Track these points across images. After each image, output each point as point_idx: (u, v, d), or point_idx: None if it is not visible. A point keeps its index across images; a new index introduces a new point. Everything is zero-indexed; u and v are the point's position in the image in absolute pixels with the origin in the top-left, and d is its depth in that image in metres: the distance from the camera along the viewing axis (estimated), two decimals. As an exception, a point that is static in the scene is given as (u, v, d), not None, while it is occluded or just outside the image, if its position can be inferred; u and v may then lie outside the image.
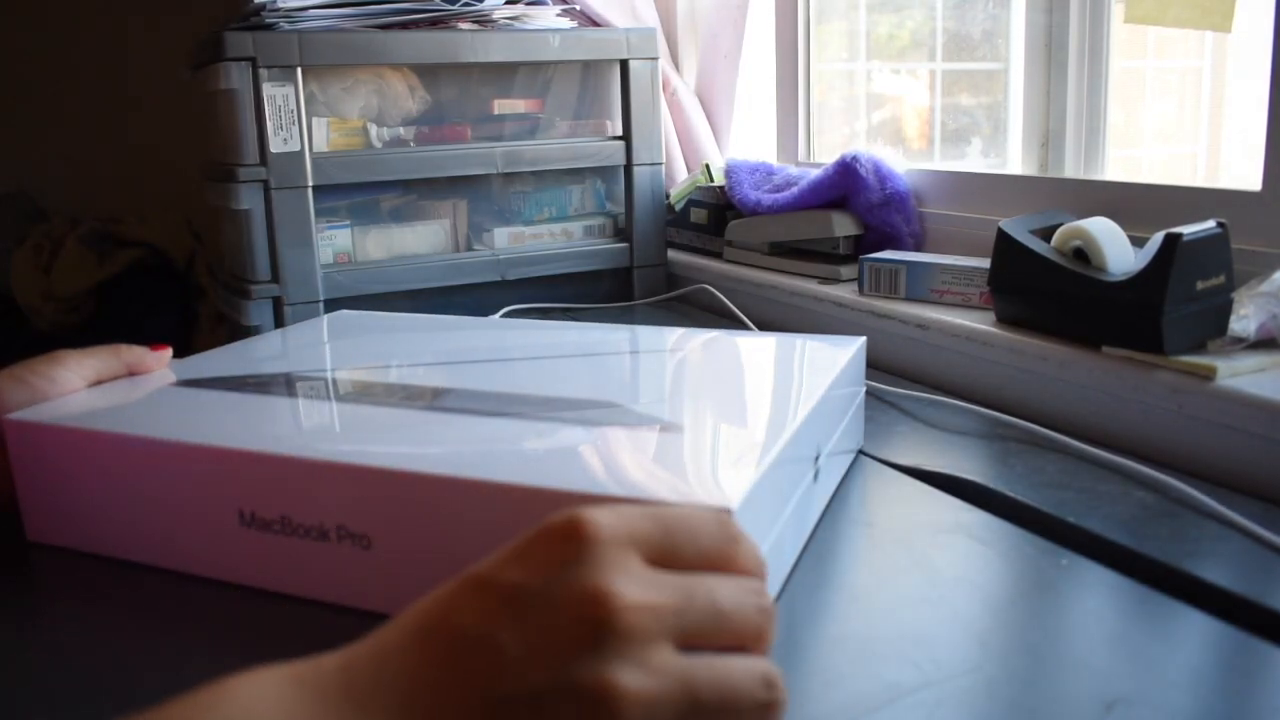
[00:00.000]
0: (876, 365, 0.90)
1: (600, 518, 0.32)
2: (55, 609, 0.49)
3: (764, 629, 0.33)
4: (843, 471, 0.62)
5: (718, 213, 1.21)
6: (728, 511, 0.39)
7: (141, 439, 0.50)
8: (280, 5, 1.01)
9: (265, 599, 0.48)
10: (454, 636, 0.30)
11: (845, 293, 0.96)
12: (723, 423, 0.52)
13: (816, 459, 0.54)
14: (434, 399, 0.56)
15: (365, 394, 0.59)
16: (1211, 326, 0.66)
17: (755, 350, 0.66)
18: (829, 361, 0.61)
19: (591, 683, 0.29)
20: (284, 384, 0.60)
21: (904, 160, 1.06)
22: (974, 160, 1.17)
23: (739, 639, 0.32)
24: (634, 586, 0.31)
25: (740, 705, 0.31)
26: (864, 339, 0.67)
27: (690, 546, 0.33)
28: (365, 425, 0.53)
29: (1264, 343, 0.66)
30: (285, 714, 0.29)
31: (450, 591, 0.32)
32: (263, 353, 0.69)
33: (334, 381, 0.62)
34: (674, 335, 0.71)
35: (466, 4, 1.10)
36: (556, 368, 0.64)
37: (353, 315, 0.81)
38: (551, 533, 0.32)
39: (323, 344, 0.72)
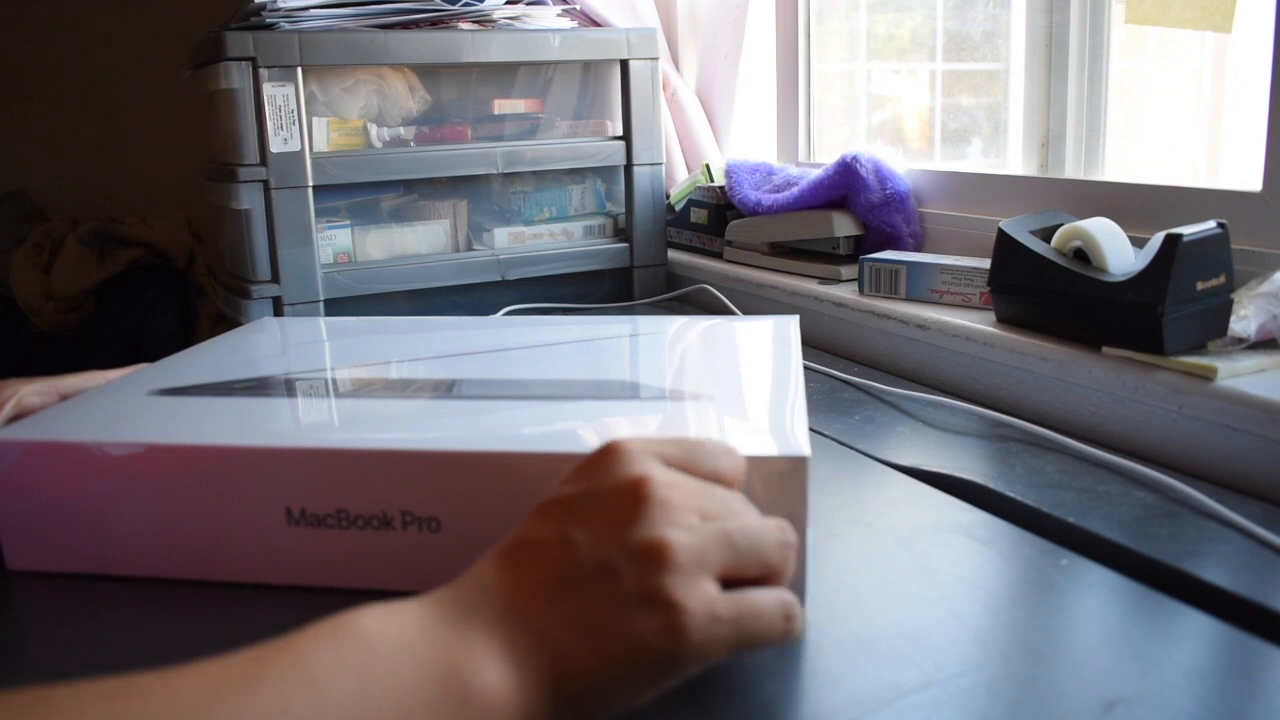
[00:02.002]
0: (876, 365, 0.90)
1: (628, 438, 0.40)
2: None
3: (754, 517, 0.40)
4: None
5: (718, 213, 1.21)
6: (803, 459, 0.44)
7: (173, 447, 0.48)
8: (280, 5, 1.01)
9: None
10: (533, 547, 0.37)
11: (845, 293, 0.96)
12: (742, 394, 0.55)
13: None
14: (451, 390, 0.57)
15: (385, 389, 0.58)
16: (1212, 327, 0.66)
17: (719, 329, 0.71)
18: (786, 339, 0.67)
19: (647, 541, 0.35)
20: (283, 386, 0.59)
21: (904, 160, 1.06)
22: (974, 160, 1.17)
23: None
24: (663, 474, 0.38)
25: (767, 546, 0.38)
26: (797, 317, 0.73)
27: (708, 463, 0.40)
28: (403, 415, 0.53)
29: (1264, 343, 0.66)
30: (411, 629, 0.34)
31: (523, 522, 0.39)
32: (211, 361, 0.65)
33: (338, 380, 0.61)
34: (672, 323, 0.74)
35: (466, 4, 1.10)
36: (560, 358, 0.65)
37: (284, 321, 0.79)
38: (591, 457, 0.40)
39: (282, 349, 0.70)
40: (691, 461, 0.40)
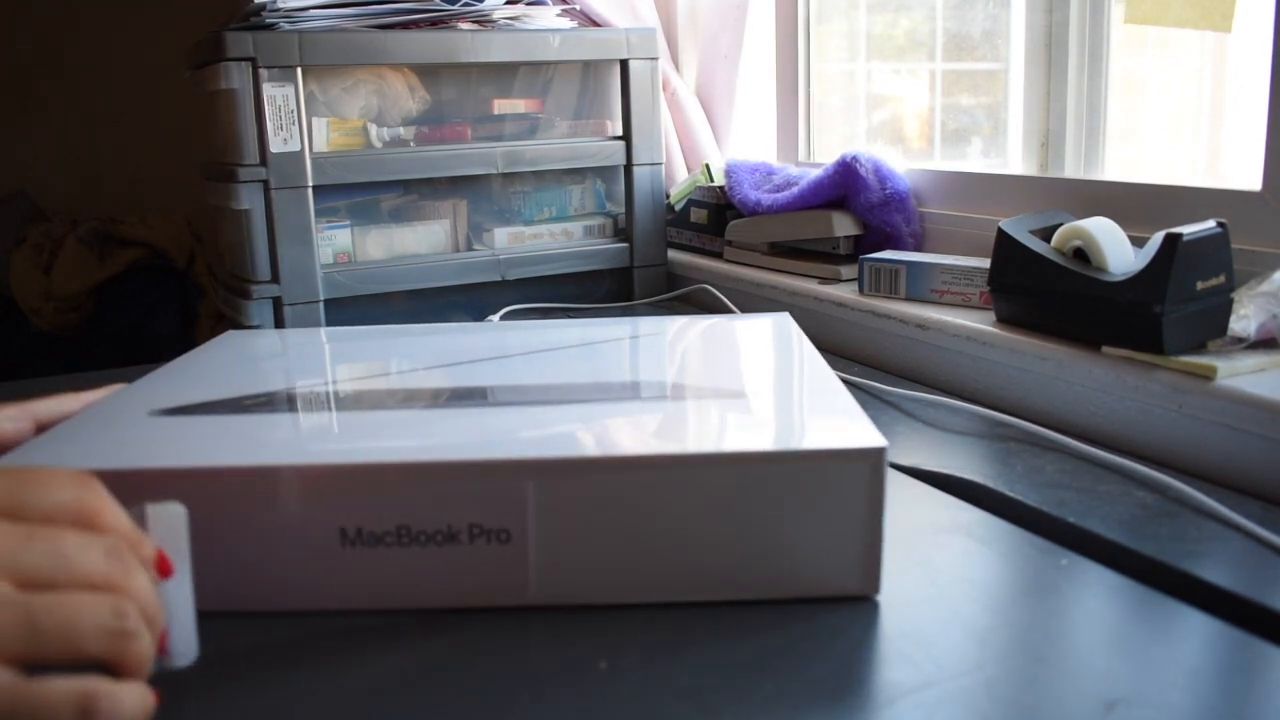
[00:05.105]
0: (876, 365, 0.90)
1: None
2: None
3: (113, 575, 0.32)
4: None
5: (718, 213, 1.21)
6: (881, 449, 0.43)
7: (215, 470, 0.45)
8: (280, 5, 1.01)
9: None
10: None
11: (845, 293, 0.96)
12: (774, 390, 0.54)
13: None
14: (486, 397, 0.55)
15: (405, 399, 0.56)
16: (1211, 326, 0.66)
17: (718, 328, 0.72)
18: (789, 335, 0.67)
19: None
20: (294, 400, 0.56)
21: (904, 160, 1.06)
22: (974, 160, 1.17)
23: (88, 581, 0.32)
24: None
25: (85, 632, 0.31)
26: (787, 314, 0.74)
27: (41, 500, 0.33)
28: (445, 424, 0.51)
29: (1264, 343, 0.66)
30: None
31: None
32: (200, 376, 0.62)
33: (345, 393, 0.58)
34: (672, 323, 0.73)
35: (466, 4, 1.10)
36: (599, 359, 0.64)
37: (248, 334, 0.75)
38: None
39: (261, 361, 0.67)
40: (19, 499, 0.33)
